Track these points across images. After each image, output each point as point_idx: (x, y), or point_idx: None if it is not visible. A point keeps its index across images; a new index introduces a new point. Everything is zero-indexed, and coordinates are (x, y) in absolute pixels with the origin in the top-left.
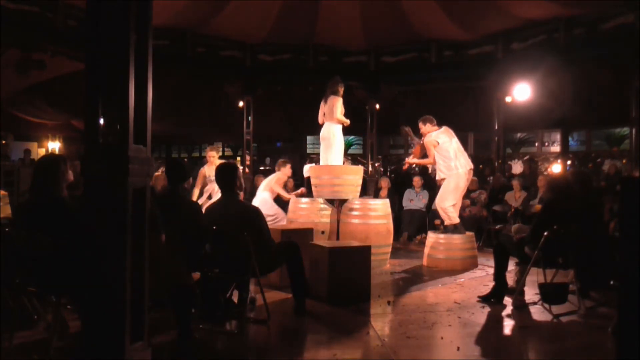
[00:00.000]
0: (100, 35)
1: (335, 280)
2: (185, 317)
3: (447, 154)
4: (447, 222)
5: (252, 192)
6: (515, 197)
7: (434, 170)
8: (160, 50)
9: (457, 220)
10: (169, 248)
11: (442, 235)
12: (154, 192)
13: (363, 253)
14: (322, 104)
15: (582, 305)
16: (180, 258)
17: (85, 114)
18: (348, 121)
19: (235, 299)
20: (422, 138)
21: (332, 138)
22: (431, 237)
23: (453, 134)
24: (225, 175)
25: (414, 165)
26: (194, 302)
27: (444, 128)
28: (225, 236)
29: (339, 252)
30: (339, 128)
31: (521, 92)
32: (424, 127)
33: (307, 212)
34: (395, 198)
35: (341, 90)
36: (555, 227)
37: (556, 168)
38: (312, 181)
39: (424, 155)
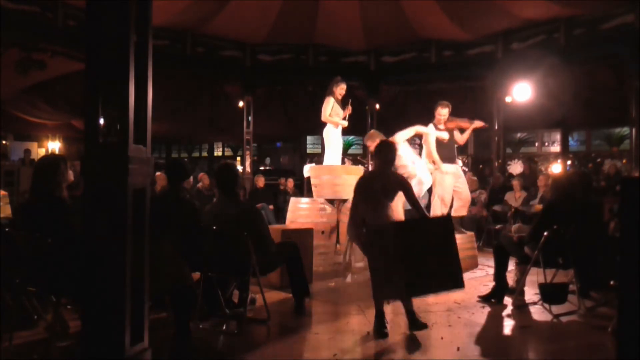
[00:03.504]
0: (100, 35)
1: None
2: (185, 317)
3: None
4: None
5: (252, 192)
6: (515, 197)
7: None
8: (160, 50)
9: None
10: (169, 248)
11: None
12: (153, 192)
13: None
14: None
15: (582, 305)
16: (181, 258)
17: (85, 114)
18: (338, 121)
19: (235, 299)
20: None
21: (327, 138)
22: None
23: None
24: (224, 175)
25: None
26: (194, 302)
27: None
28: (225, 236)
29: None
30: (334, 128)
31: (521, 92)
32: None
33: (307, 212)
34: None
35: (336, 90)
36: (556, 227)
37: (556, 168)
38: (312, 181)
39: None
